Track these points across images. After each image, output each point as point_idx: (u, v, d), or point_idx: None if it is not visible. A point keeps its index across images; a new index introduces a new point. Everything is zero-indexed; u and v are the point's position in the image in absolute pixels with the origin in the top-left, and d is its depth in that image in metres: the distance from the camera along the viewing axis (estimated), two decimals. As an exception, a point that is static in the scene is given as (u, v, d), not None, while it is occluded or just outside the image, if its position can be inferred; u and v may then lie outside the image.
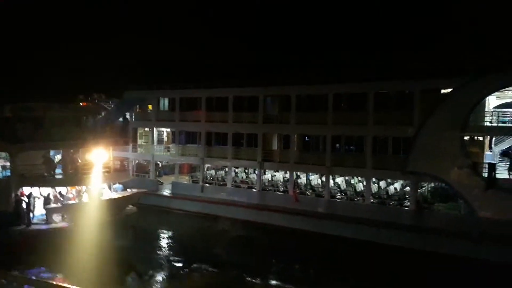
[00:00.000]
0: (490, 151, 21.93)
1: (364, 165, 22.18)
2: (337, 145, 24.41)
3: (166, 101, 31.26)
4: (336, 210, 22.38)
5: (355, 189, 23.78)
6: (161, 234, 22.03)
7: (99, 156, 18.74)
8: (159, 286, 15.89)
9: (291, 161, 24.69)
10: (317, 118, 23.95)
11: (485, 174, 19.16)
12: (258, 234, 21.73)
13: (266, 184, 25.93)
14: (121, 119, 28.99)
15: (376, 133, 22.08)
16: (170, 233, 22.21)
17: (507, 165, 20.33)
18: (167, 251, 19.63)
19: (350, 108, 23.61)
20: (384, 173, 22.23)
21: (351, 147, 24.46)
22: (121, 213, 19.14)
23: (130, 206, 20.16)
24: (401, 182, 22.51)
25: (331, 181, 24.02)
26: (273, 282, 16.17)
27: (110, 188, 20.00)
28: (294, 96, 24.52)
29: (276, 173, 27.13)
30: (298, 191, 24.26)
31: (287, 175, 25.33)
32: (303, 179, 25.79)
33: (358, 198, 22.98)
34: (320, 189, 24.15)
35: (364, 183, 22.78)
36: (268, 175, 26.88)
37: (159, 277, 16.47)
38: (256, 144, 25.79)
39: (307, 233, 21.33)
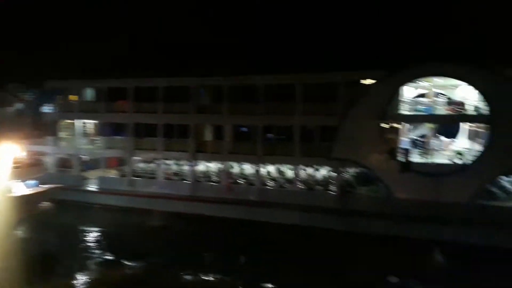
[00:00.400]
0: (407, 138, 23.72)
1: (293, 154, 22.89)
2: (268, 134, 24.83)
3: (92, 91, 29.44)
4: (267, 197, 22.88)
5: (285, 176, 24.41)
6: (85, 231, 20.66)
7: (8, 150, 17.06)
8: (80, 285, 14.89)
9: (224, 151, 24.63)
10: (248, 108, 24.12)
11: (401, 159, 20.78)
12: (190, 226, 21.48)
13: (200, 175, 25.61)
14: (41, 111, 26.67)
15: (303, 122, 22.87)
16: (94, 230, 20.95)
17: (420, 150, 22.26)
18: (90, 249, 18.46)
19: (280, 99, 24.07)
20: (311, 160, 23.16)
21: (282, 136, 25.03)
22: (35, 210, 17.67)
23: (46, 202, 18.69)
24: (328, 168, 23.53)
25: (264, 170, 24.43)
26: (204, 272, 15.88)
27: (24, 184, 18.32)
28: (226, 87, 24.41)
29: (210, 164, 26.92)
30: (231, 180, 24.29)
31: (221, 165, 25.24)
32: (236, 169, 25.88)
33: (288, 184, 23.63)
34: (252, 178, 24.42)
35: (294, 171, 23.49)
36: (202, 166, 26.56)
37: (80, 277, 15.44)
38: (188, 135, 25.31)
39: (240, 221, 21.55)
